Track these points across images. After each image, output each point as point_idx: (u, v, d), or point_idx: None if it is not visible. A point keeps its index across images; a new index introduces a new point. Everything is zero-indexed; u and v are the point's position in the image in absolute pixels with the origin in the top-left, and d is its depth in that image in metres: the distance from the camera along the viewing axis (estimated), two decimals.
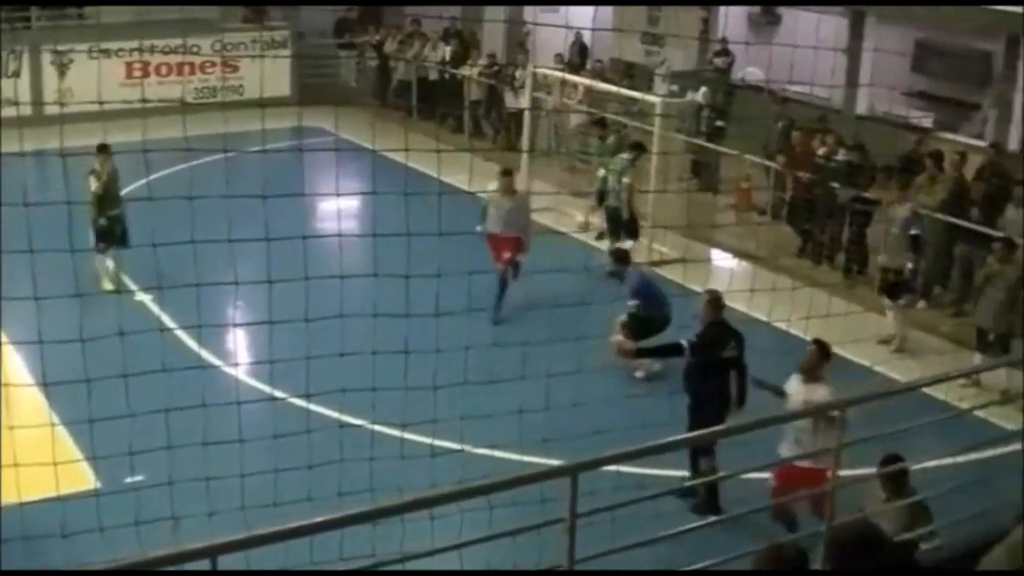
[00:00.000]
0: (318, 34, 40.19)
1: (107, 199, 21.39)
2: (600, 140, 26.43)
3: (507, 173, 21.52)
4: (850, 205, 22.94)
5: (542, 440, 13.15)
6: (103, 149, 20.93)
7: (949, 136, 27.12)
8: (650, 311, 18.21)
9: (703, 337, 15.03)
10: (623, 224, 23.68)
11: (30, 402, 15.11)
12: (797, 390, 13.84)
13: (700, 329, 15.16)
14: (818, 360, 13.92)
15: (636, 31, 33.19)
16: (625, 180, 23.43)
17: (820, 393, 13.38)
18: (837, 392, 12.93)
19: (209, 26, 36.52)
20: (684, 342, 15.10)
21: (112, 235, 21.57)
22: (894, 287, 20.46)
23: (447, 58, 35.62)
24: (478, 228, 20.90)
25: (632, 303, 18.55)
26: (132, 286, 20.73)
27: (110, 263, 21.79)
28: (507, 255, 20.86)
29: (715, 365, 14.97)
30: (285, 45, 38.24)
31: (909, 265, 20.22)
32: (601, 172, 24.71)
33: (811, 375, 13.81)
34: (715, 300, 15.26)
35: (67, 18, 36.67)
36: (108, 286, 20.97)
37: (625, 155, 23.66)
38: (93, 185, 21.05)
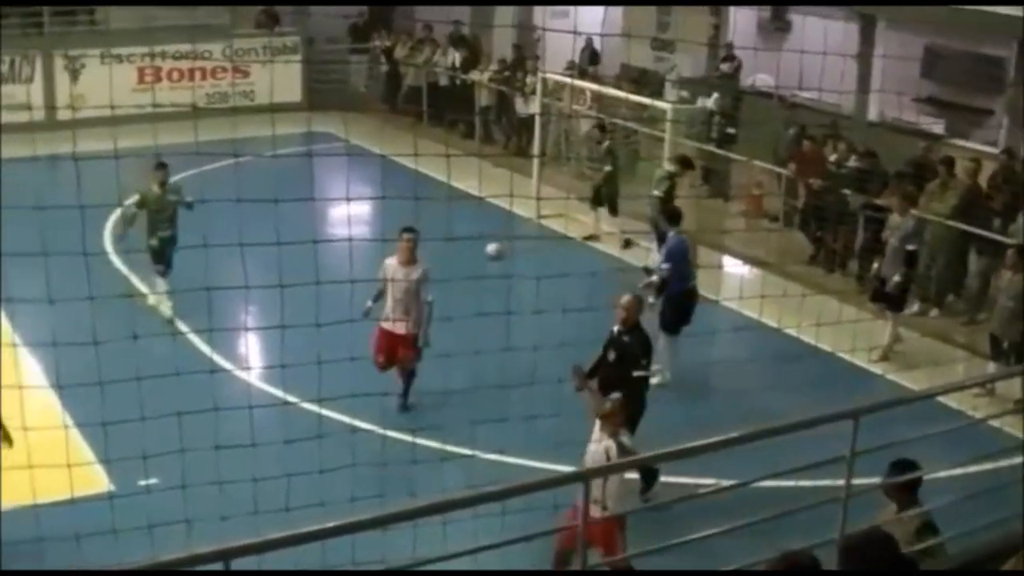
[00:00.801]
0: (328, 40, 40.20)
1: (160, 219, 20.34)
2: (597, 143, 26.42)
3: (409, 231, 15.83)
4: (862, 212, 22.88)
5: (551, 445, 13.20)
6: (161, 167, 19.92)
7: (960, 142, 27.05)
8: (678, 282, 18.14)
9: (645, 343, 14.86)
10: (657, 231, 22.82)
11: (43, 404, 15.14)
12: (597, 438, 12.73)
13: (631, 335, 14.83)
14: (620, 412, 12.76)
15: (646, 37, 33.17)
16: (655, 192, 23.04)
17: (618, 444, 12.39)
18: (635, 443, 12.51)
19: (220, 32, 36.57)
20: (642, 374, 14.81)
21: (163, 256, 20.41)
22: (888, 298, 20.24)
23: (457, 64, 35.62)
24: (369, 304, 16.16)
25: (664, 266, 18.40)
26: (160, 305, 20.12)
27: (161, 287, 20.59)
28: (405, 353, 16.09)
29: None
30: (296, 51, 38.24)
31: (896, 278, 19.99)
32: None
33: (611, 424, 12.64)
34: (641, 303, 15.15)
35: (79, 23, 36.77)
36: (167, 312, 20.01)
37: (669, 167, 23.43)
38: (132, 202, 20.05)
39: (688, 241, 18.83)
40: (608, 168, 25.41)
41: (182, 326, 18.19)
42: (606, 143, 25.74)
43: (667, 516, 11.78)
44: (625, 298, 14.95)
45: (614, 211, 25.30)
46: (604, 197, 25.33)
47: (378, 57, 38.51)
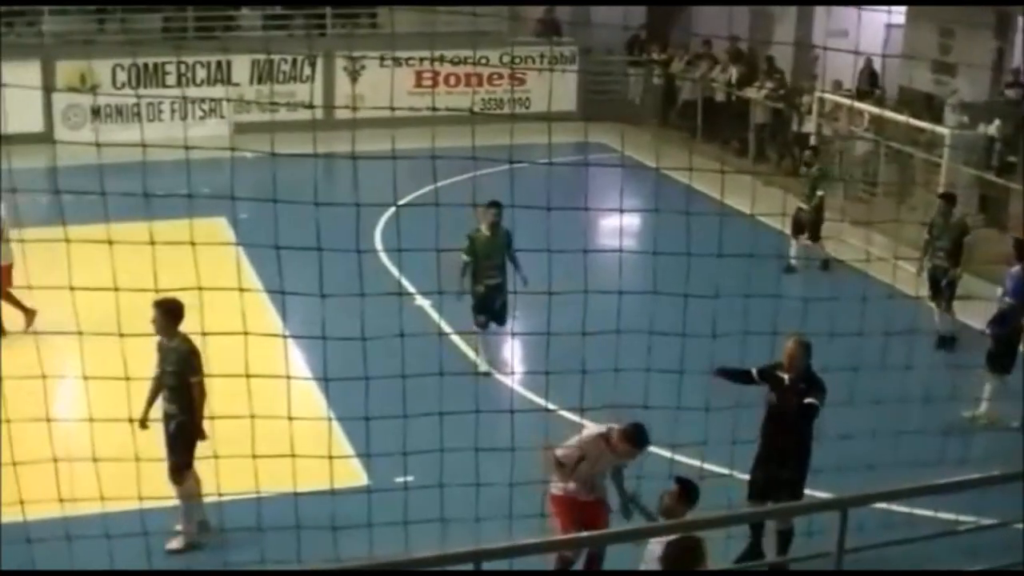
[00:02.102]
0: (605, 51, 40.39)
1: (488, 265, 18.68)
2: (805, 166, 25.45)
3: (634, 440, 12.64)
4: None
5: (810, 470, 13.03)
6: (493, 205, 18.26)
7: None
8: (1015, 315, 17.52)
9: (824, 389, 13.64)
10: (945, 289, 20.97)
11: (307, 396, 15.47)
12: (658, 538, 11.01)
13: (808, 382, 13.58)
14: (677, 503, 11.44)
15: (926, 59, 32.57)
16: (941, 242, 20.87)
17: None
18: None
19: (497, 39, 37.00)
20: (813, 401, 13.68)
21: (490, 307, 18.84)
22: None
23: (733, 80, 35.43)
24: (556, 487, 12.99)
25: (1007, 299, 17.79)
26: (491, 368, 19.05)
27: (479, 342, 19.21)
28: (602, 522, 12.96)
29: None
30: (572, 60, 38.50)
31: None
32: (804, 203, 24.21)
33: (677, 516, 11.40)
34: (807, 348, 13.64)
35: (360, 27, 37.63)
36: (483, 367, 18.60)
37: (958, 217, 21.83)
38: (465, 250, 18.35)
39: None
40: (820, 193, 24.69)
41: (446, 327, 18.40)
42: (815, 167, 25.04)
43: (923, 549, 11.53)
44: (788, 343, 13.66)
45: (815, 238, 24.59)
46: (806, 223, 24.49)
47: (652, 70, 38.50)
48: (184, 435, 13.82)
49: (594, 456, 12.80)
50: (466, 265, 18.45)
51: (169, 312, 13.62)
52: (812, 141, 28.56)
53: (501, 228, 18.58)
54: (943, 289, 20.51)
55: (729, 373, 13.78)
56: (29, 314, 19.47)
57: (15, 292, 19.29)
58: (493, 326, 18.98)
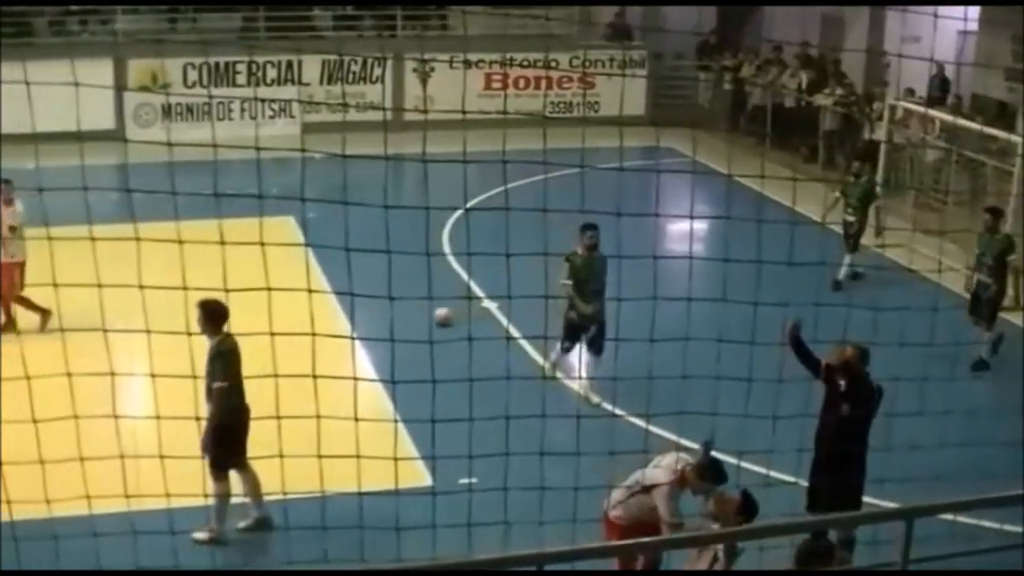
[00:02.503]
0: (675, 55, 40.31)
1: (585, 290, 17.86)
2: (855, 177, 24.96)
3: (710, 477, 12.63)
4: None
5: (876, 480, 12.92)
6: (589, 228, 17.36)
7: None
8: None
9: (881, 393, 13.79)
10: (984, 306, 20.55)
11: (371, 397, 15.48)
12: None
13: (868, 386, 13.78)
14: (736, 514, 11.60)
15: (999, 67, 32.31)
16: (985, 258, 20.54)
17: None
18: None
19: (567, 42, 37.03)
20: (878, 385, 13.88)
21: (580, 334, 18.21)
22: None
23: (803, 86, 35.24)
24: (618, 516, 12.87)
25: None
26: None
27: (553, 356, 18.36)
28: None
29: None
30: (642, 65, 38.44)
31: None
32: (850, 215, 23.85)
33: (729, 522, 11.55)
34: (866, 355, 13.79)
35: (430, 28, 37.74)
36: (551, 372, 17.70)
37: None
38: (565, 274, 17.69)
39: None
40: (877, 204, 24.62)
41: (514, 331, 18.38)
42: (864, 178, 24.70)
43: (987, 561, 11.44)
44: (849, 350, 13.75)
45: (855, 249, 24.30)
46: (853, 235, 24.14)
47: (722, 75, 38.40)
48: (217, 435, 14.09)
49: (664, 499, 12.59)
50: (572, 290, 17.78)
51: (212, 313, 13.89)
52: (881, 150, 28.34)
53: (598, 252, 17.67)
54: (982, 305, 20.17)
55: (801, 347, 13.73)
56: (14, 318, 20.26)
57: (25, 293, 19.81)
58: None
